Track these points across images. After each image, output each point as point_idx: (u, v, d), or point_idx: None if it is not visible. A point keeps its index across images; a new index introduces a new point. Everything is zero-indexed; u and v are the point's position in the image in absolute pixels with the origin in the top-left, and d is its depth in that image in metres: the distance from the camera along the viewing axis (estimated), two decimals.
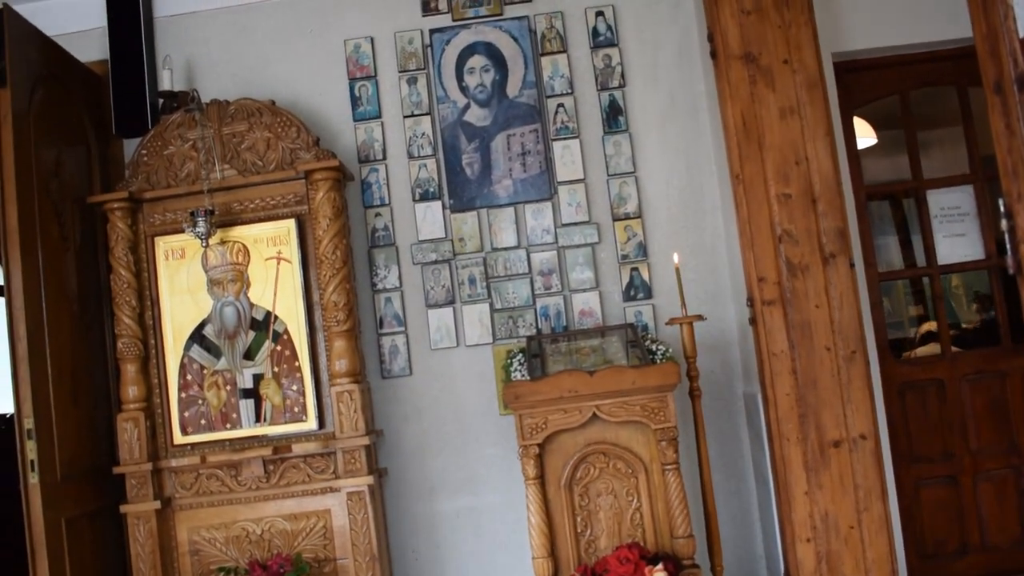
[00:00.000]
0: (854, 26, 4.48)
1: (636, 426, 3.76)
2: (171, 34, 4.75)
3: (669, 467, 3.70)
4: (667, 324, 4.18)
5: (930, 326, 5.17)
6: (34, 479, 3.80)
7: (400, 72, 4.68)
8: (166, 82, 4.48)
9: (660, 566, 3.54)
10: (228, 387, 4.26)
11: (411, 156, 4.63)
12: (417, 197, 4.61)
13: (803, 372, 3.78)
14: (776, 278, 3.83)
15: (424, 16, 4.71)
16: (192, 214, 4.11)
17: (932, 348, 5.00)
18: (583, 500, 3.79)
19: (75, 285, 4.29)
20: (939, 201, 4.78)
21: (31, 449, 3.81)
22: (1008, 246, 2.39)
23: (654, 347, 3.90)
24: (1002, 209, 2.39)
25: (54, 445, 3.93)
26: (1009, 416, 4.54)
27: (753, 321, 3.89)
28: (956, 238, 4.79)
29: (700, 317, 4.01)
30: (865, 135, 5.43)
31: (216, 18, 4.77)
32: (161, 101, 4.53)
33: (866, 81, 4.68)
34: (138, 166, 4.36)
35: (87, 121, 4.56)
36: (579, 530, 3.78)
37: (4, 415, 8.46)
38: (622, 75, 4.63)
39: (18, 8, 4.06)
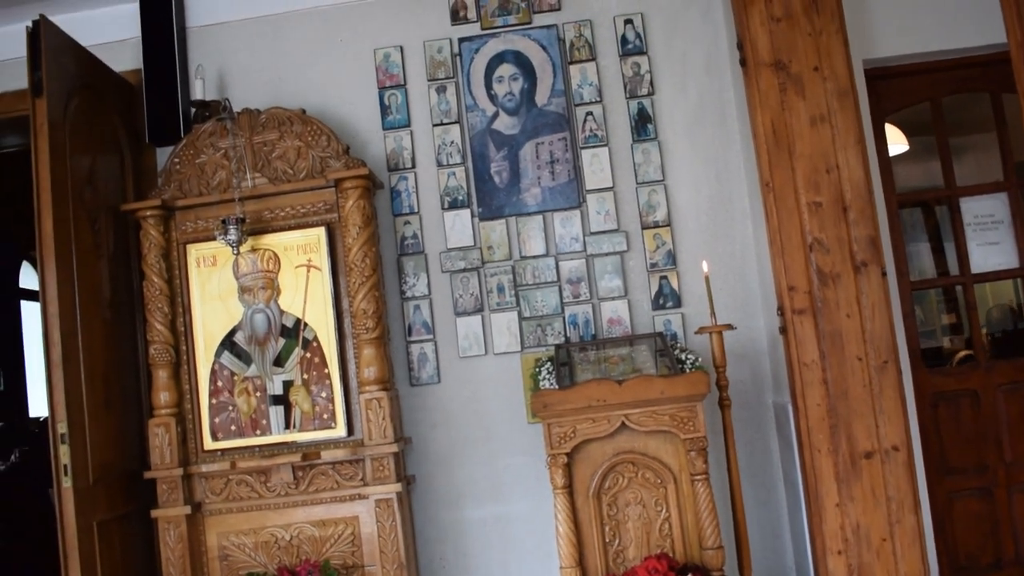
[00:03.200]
0: (885, 33, 4.45)
1: (665, 436, 3.74)
2: (203, 44, 4.81)
3: (698, 477, 3.68)
4: (696, 333, 4.16)
5: (967, 352, 5.09)
6: (67, 483, 3.84)
7: (429, 81, 4.70)
8: (198, 91, 4.54)
9: None
10: (258, 393, 4.29)
11: (440, 164, 4.65)
12: (446, 205, 4.63)
13: (834, 382, 3.75)
14: (807, 287, 3.80)
15: (453, 25, 4.72)
16: (223, 222, 4.14)
17: None
18: (611, 510, 3.78)
19: (108, 292, 4.34)
20: (972, 209, 4.73)
21: (64, 453, 3.85)
22: None
23: (683, 356, 3.88)
24: None
25: (87, 449, 3.98)
26: None
27: (783, 330, 3.86)
28: (989, 246, 4.73)
29: (730, 326, 3.98)
30: (896, 142, 5.39)
31: (247, 28, 4.82)
32: (193, 110, 4.58)
33: (897, 88, 4.64)
34: (170, 174, 4.41)
35: (121, 130, 4.62)
36: (607, 540, 3.77)
37: (38, 419, 8.59)
38: (651, 83, 4.62)
39: (55, 19, 4.12)
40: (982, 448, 4.49)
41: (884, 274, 3.80)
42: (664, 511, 3.76)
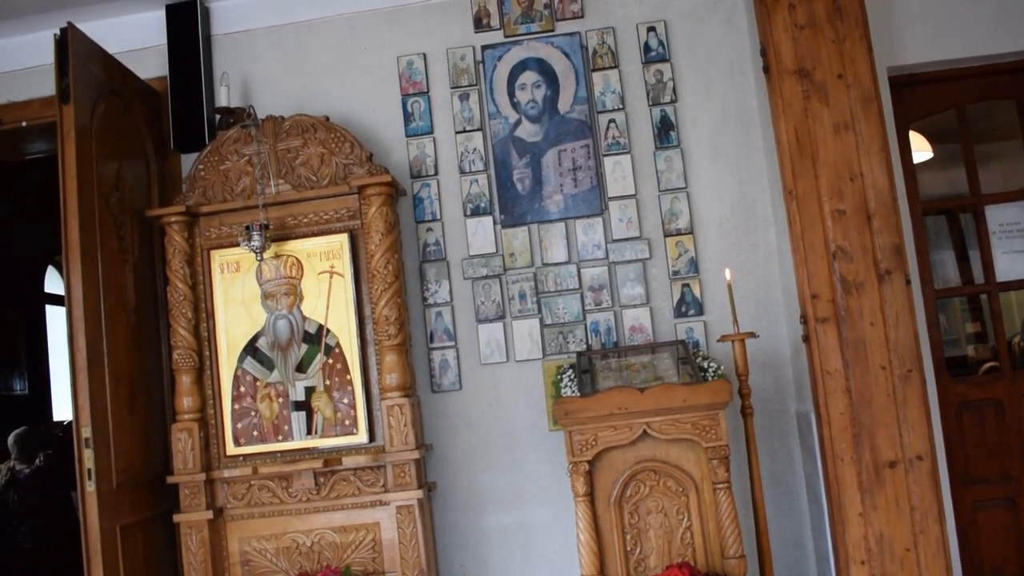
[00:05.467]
0: (910, 40, 4.43)
1: (687, 444, 3.73)
2: (228, 51, 4.85)
3: (720, 486, 3.66)
4: (719, 341, 4.14)
5: (994, 364, 5.04)
6: (91, 487, 3.87)
7: (452, 88, 4.71)
8: (223, 98, 4.57)
9: None
10: (280, 399, 4.31)
11: (462, 171, 4.66)
12: (468, 212, 4.63)
13: (857, 391, 3.73)
14: (830, 295, 3.79)
15: (476, 32, 4.74)
16: (247, 228, 4.17)
17: None
18: (633, 518, 3.76)
19: (133, 297, 4.37)
20: (997, 217, 4.69)
21: (88, 458, 3.88)
22: None
23: (705, 364, 3.87)
24: None
25: (110, 454, 4.00)
26: None
27: (806, 339, 3.85)
28: (1015, 255, 4.69)
29: (752, 334, 3.97)
30: (921, 149, 5.35)
31: (272, 36, 4.85)
32: (218, 117, 4.62)
33: (922, 95, 4.62)
34: (195, 181, 4.44)
35: (146, 136, 4.66)
36: (629, 548, 3.76)
37: (62, 422, 8.66)
38: (673, 90, 4.62)
39: (81, 26, 4.16)
40: (1006, 458, 4.45)
41: (908, 282, 3.78)
42: (686, 519, 3.75)
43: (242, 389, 4.33)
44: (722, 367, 3.88)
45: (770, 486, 4.30)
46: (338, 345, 4.29)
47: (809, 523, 4.36)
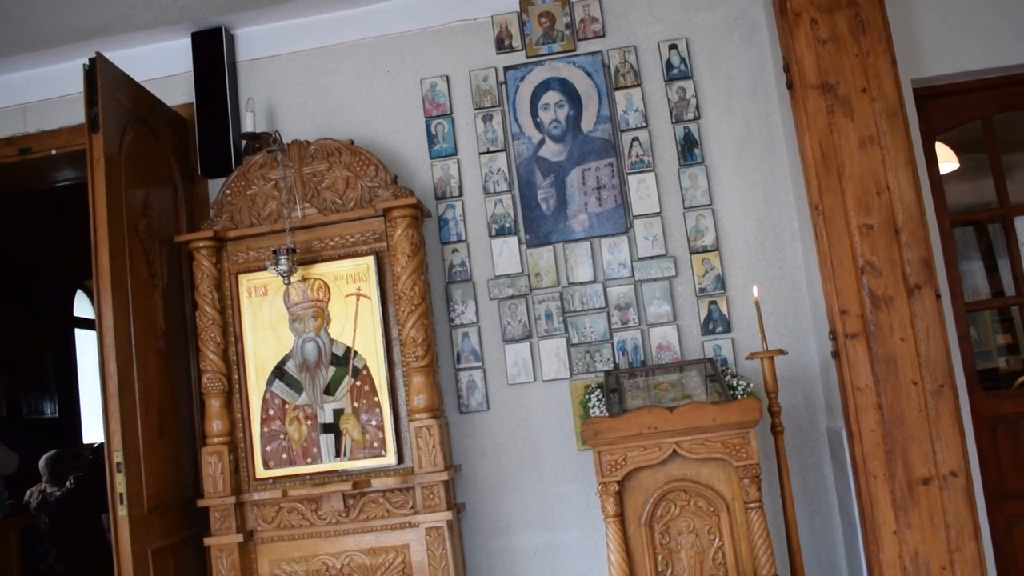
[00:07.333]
0: (933, 52, 4.40)
1: (717, 463, 3.71)
2: (253, 77, 4.90)
3: (752, 505, 3.63)
4: (747, 358, 4.12)
5: None
6: (123, 511, 3.89)
7: (475, 109, 4.73)
8: (249, 124, 4.61)
9: None
10: (309, 422, 4.32)
11: (487, 192, 4.67)
12: (493, 233, 4.64)
13: (889, 407, 3.69)
14: (859, 311, 3.76)
15: (498, 54, 4.76)
16: (274, 252, 4.19)
17: None
18: (664, 538, 3.74)
19: (162, 322, 4.40)
20: None
21: (120, 482, 3.90)
22: None
23: (734, 382, 3.85)
24: None
25: (142, 478, 4.03)
26: None
27: (836, 355, 3.82)
28: None
29: (781, 351, 3.94)
30: (946, 160, 5.31)
31: (296, 61, 4.89)
32: (244, 142, 4.66)
33: (947, 107, 4.59)
34: (222, 206, 4.47)
35: (174, 162, 4.71)
36: (660, 569, 3.73)
37: (92, 445, 8.73)
38: (697, 107, 4.61)
39: (109, 55, 4.22)
40: None
41: (938, 296, 3.74)
42: (717, 539, 3.72)
43: (271, 412, 4.34)
44: (751, 384, 3.86)
45: (802, 504, 4.27)
46: (366, 367, 4.31)
47: (842, 542, 4.31)
